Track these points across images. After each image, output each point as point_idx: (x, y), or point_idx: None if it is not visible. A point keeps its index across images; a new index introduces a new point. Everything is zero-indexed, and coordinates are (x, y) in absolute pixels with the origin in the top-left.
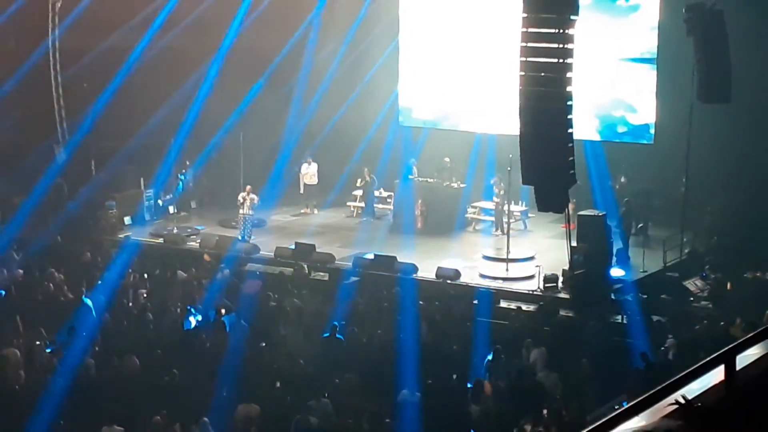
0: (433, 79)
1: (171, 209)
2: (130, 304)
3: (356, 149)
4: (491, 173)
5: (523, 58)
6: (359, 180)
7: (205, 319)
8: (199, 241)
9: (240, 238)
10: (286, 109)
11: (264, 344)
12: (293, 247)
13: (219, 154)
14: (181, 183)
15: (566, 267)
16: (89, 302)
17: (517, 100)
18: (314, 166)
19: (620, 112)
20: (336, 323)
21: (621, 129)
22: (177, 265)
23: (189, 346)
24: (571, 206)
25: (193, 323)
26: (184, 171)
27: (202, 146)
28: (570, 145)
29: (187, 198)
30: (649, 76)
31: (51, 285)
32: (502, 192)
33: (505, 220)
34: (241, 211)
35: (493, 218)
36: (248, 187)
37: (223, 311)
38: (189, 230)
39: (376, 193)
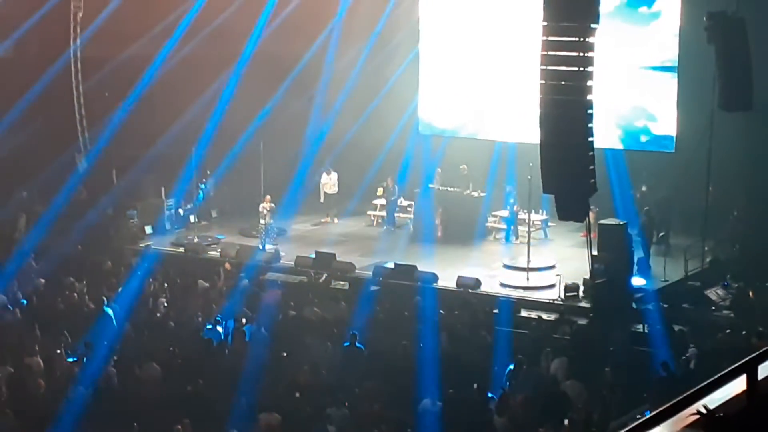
0: (453, 87)
1: (192, 218)
2: (157, 314)
3: (376, 158)
4: (512, 182)
5: (544, 67)
6: (380, 189)
7: (225, 328)
8: (219, 250)
9: (261, 247)
10: (306, 118)
11: (285, 354)
12: (313, 256)
13: (240, 163)
14: (201, 192)
15: (587, 276)
16: (110, 311)
17: (538, 109)
18: (334, 176)
19: (642, 121)
20: (356, 332)
21: (643, 138)
22: (197, 274)
23: (210, 356)
24: (591, 215)
25: (221, 332)
26: (204, 180)
27: (222, 155)
28: (591, 153)
29: (208, 207)
30: (670, 84)
31: (72, 294)
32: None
33: (522, 228)
34: (262, 221)
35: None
36: (267, 197)
37: (243, 320)
38: (209, 239)
39: (397, 203)
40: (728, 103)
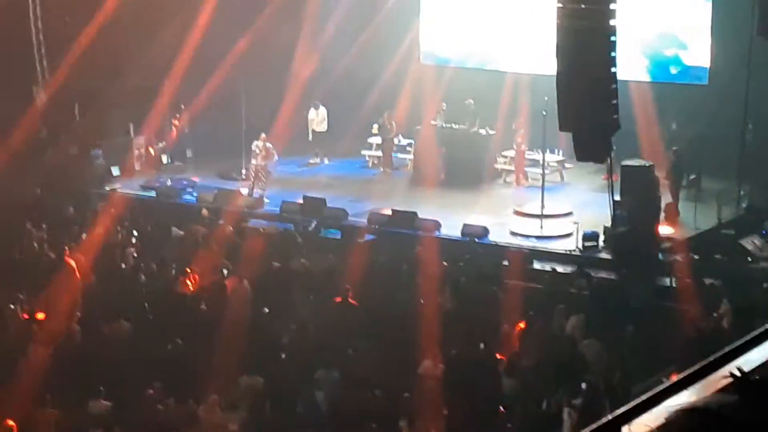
0: (459, 11)
1: (164, 159)
2: (121, 265)
3: (371, 91)
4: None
5: None
6: (375, 126)
7: (202, 280)
8: (195, 194)
9: (249, 194)
10: (292, 45)
11: (267, 310)
12: (301, 201)
13: (218, 96)
14: (175, 129)
15: (608, 224)
16: (72, 262)
17: (554, 35)
18: (323, 111)
19: (671, 50)
20: (349, 286)
21: (672, 69)
22: (171, 222)
23: (185, 312)
24: (613, 155)
25: (191, 285)
26: (178, 115)
27: (198, 87)
28: (613, 86)
29: (183, 146)
30: (703, 7)
31: (30, 242)
32: (520, 139)
33: (535, 170)
34: (253, 162)
35: (528, 169)
36: (263, 135)
37: (224, 272)
38: (185, 182)
39: (395, 141)
40: None
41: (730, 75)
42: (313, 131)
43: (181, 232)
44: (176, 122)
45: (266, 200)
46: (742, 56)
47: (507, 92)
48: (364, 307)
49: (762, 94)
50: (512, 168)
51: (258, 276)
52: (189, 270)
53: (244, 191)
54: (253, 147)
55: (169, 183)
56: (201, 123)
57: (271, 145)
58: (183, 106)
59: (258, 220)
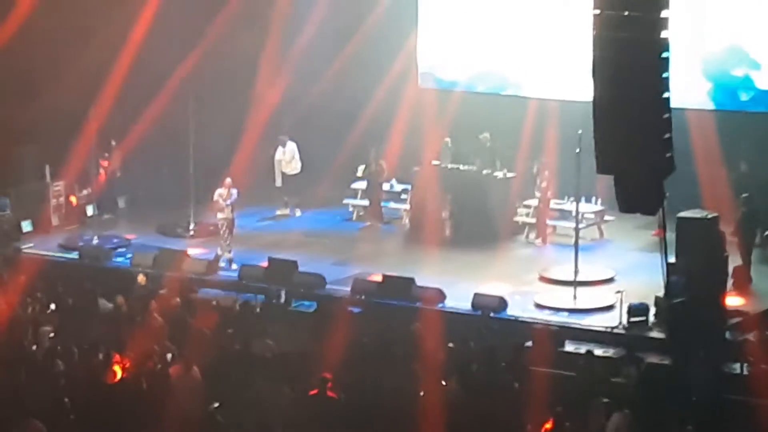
0: (468, 21)
1: (89, 210)
2: (33, 347)
3: (355, 123)
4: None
5: None
6: (361, 167)
7: (138, 368)
8: (130, 256)
9: (223, 263)
10: (255, 64)
11: (217, 405)
12: (266, 264)
13: (159, 128)
14: (104, 171)
15: (660, 293)
16: None
17: (590, 52)
18: (292, 147)
19: (741, 70)
20: (327, 375)
21: (743, 95)
22: (99, 292)
23: (116, 408)
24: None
25: (119, 374)
26: (108, 154)
27: (134, 118)
28: (666, 116)
29: (113, 194)
30: None
31: None
32: (545, 184)
33: (567, 224)
34: (220, 216)
35: (557, 222)
36: (228, 181)
37: (167, 357)
38: (116, 240)
39: (386, 187)
40: None
41: None
42: (283, 174)
43: (111, 305)
44: (105, 163)
45: (234, 265)
46: None
47: (530, 124)
48: (347, 401)
49: None
50: (536, 221)
51: (211, 362)
52: (121, 355)
53: (193, 252)
54: (216, 197)
55: (95, 241)
56: (137, 163)
57: (235, 191)
58: (114, 142)
59: (211, 289)
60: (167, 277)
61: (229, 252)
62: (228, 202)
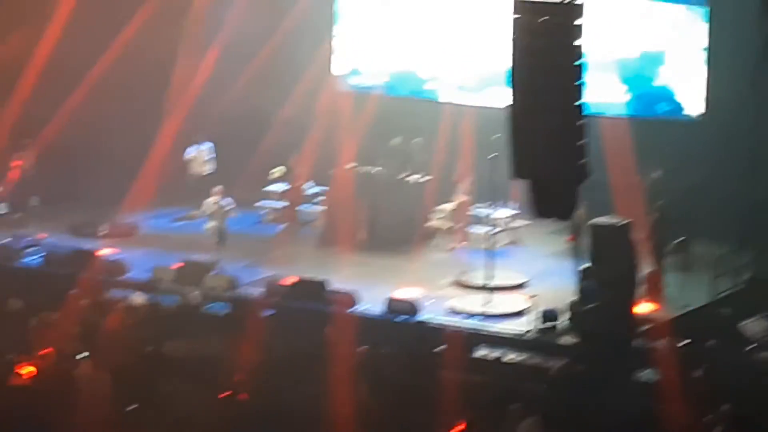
0: (385, 28)
1: (1, 208)
2: None
3: (271, 124)
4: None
5: None
6: (276, 170)
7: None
8: (42, 255)
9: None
10: (171, 67)
11: (134, 406)
12: (178, 266)
13: (72, 127)
14: (16, 169)
15: (573, 299)
16: None
17: (505, 58)
18: (207, 148)
19: (657, 76)
20: (239, 377)
21: (658, 101)
22: (8, 292)
23: (22, 411)
24: (580, 211)
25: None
26: (21, 152)
27: (48, 113)
28: (581, 123)
29: (26, 192)
30: (696, 24)
31: None
32: (469, 188)
33: (481, 229)
34: (208, 224)
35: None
36: (218, 188)
37: (76, 359)
38: (27, 240)
39: (302, 189)
40: None
41: (731, 109)
42: (194, 175)
43: (19, 305)
44: (17, 161)
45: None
46: (746, 85)
47: (445, 128)
48: (258, 403)
49: None
50: (451, 226)
51: (121, 364)
52: (28, 356)
53: (106, 251)
54: (207, 205)
55: (6, 240)
56: (50, 162)
57: (231, 200)
58: (27, 140)
59: (122, 290)
60: (78, 277)
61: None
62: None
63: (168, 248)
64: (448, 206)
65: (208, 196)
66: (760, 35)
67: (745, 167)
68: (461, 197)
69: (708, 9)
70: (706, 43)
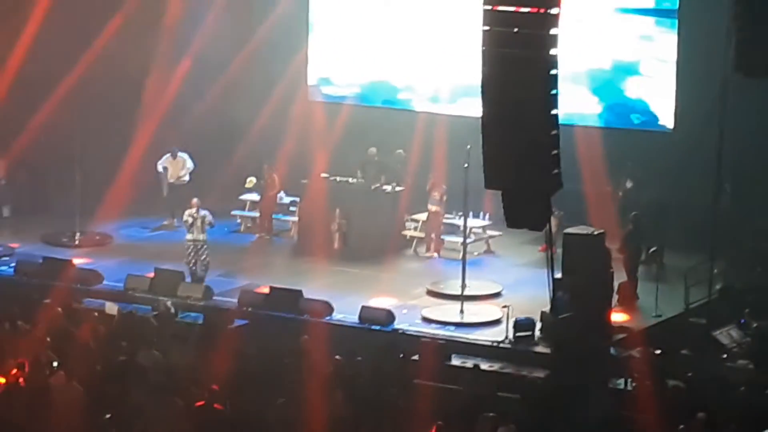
0: (359, 38)
1: None
2: None
3: (245, 134)
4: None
5: (488, 6)
6: (250, 179)
7: (16, 380)
8: (13, 264)
9: (192, 277)
10: (143, 72)
11: (108, 416)
12: (152, 275)
13: (43, 136)
14: None
15: (546, 309)
16: None
17: (479, 68)
18: (183, 158)
19: (629, 88)
20: (213, 386)
21: (629, 113)
22: None
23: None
24: (554, 221)
25: None
26: None
27: (18, 125)
28: (554, 132)
29: None
30: (666, 36)
31: None
32: (443, 197)
33: (454, 239)
34: (189, 237)
35: (445, 237)
36: (195, 201)
37: (48, 368)
38: None
39: (276, 199)
40: (749, 66)
41: (701, 120)
42: (170, 184)
43: None
44: None
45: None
46: (715, 97)
47: (419, 138)
48: (233, 413)
49: (740, 146)
50: (423, 235)
51: (94, 373)
52: None
53: (78, 261)
54: (186, 217)
55: None
56: (21, 172)
57: (207, 213)
58: None
59: (95, 299)
60: (51, 286)
61: (204, 272)
62: (203, 222)
63: (141, 257)
64: (422, 216)
65: (181, 205)
66: (729, 46)
67: (712, 178)
68: (433, 207)
69: (676, 21)
70: (675, 52)
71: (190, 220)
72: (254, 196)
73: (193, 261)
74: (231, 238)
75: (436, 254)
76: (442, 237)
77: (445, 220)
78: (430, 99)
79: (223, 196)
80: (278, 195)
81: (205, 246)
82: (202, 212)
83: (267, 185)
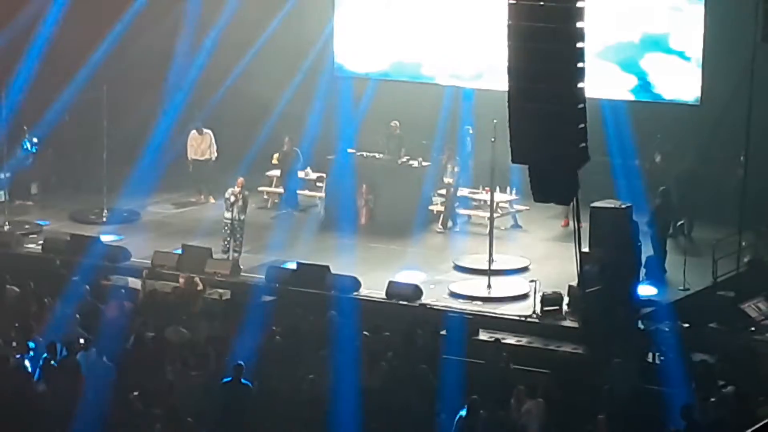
0: (385, 12)
1: (1, 196)
2: None
3: (271, 111)
4: (465, 146)
5: None
6: (276, 155)
7: (49, 357)
8: (41, 242)
9: (227, 254)
10: (169, 51)
11: (137, 393)
12: (179, 251)
13: (73, 115)
14: (28, 149)
15: (574, 283)
16: None
17: (505, 42)
18: (208, 136)
19: (654, 60)
20: (241, 363)
21: (656, 84)
22: (7, 278)
23: (25, 397)
24: (580, 195)
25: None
26: (25, 138)
27: (46, 104)
28: (581, 106)
29: (25, 180)
30: (694, 9)
31: None
32: (455, 169)
33: (482, 213)
34: (227, 215)
35: (471, 211)
36: (240, 180)
37: (81, 343)
38: (27, 227)
39: (301, 174)
40: None
41: (729, 93)
42: (195, 161)
43: (19, 291)
44: (28, 145)
45: (240, 266)
46: (744, 69)
47: (445, 112)
48: (261, 389)
49: None
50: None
51: (122, 349)
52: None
53: (106, 238)
54: (228, 195)
55: (6, 227)
56: (49, 149)
57: (247, 193)
58: (26, 127)
59: (122, 276)
60: (78, 263)
61: (237, 253)
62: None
63: (169, 234)
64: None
65: (207, 182)
66: (757, 16)
67: (739, 151)
68: (447, 179)
69: None
70: (702, 24)
71: (232, 198)
72: (279, 172)
73: (228, 240)
74: (257, 214)
75: (441, 227)
76: (465, 211)
77: (471, 195)
78: (455, 73)
79: (249, 171)
80: (303, 170)
81: (242, 227)
82: (245, 192)
83: (291, 160)
